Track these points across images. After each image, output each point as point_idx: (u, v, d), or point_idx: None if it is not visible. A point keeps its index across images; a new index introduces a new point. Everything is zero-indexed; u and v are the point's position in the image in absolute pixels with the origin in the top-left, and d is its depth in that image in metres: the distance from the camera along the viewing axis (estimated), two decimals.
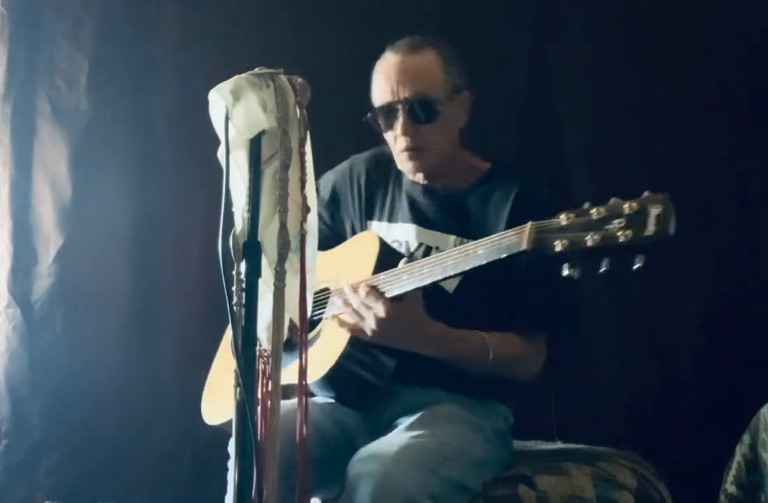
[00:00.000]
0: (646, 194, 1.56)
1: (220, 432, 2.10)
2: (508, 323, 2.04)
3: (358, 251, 2.15)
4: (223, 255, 1.47)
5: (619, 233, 1.54)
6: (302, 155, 1.53)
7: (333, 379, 1.98)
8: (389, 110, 2.09)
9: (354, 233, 2.27)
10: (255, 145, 1.51)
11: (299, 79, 1.55)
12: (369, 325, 1.90)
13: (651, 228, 1.52)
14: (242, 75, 1.51)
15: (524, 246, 1.68)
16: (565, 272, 1.61)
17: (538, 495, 1.93)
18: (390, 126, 2.10)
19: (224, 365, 2.24)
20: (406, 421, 1.97)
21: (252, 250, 1.47)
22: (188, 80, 2.88)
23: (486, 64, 2.84)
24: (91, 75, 2.94)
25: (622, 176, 2.79)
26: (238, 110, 1.50)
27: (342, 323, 1.95)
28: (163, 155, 2.96)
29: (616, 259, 1.56)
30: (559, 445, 2.28)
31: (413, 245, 2.15)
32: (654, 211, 1.53)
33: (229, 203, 1.49)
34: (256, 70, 1.52)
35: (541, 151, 2.83)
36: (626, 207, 1.55)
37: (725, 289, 2.72)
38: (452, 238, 2.12)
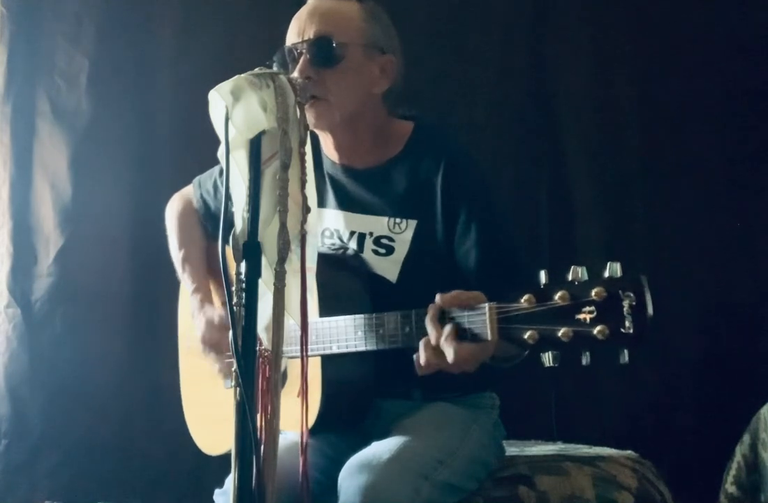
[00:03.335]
0: (609, 270, 1.43)
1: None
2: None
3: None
4: (223, 255, 1.47)
5: (594, 330, 1.40)
6: (302, 155, 1.53)
7: (325, 418, 1.85)
8: (293, 52, 1.90)
9: None
10: (255, 145, 1.51)
11: (299, 79, 1.55)
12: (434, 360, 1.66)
13: (628, 324, 1.40)
14: (242, 75, 1.51)
15: (490, 337, 1.53)
16: (546, 363, 1.48)
17: (538, 496, 1.93)
18: (293, 70, 1.89)
19: (199, 378, 2.17)
20: (399, 427, 1.91)
21: (252, 250, 1.47)
22: (188, 80, 2.88)
23: (486, 65, 2.85)
24: (91, 75, 2.94)
25: (622, 177, 2.80)
26: (238, 110, 1.49)
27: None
28: (162, 155, 2.96)
29: (598, 354, 1.45)
30: (559, 445, 2.28)
31: (345, 235, 1.99)
32: (627, 301, 1.41)
33: (229, 203, 1.48)
34: (256, 70, 1.52)
35: (541, 151, 2.83)
36: (593, 294, 1.41)
37: (725, 289, 2.72)
38: (385, 219, 1.96)
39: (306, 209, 1.53)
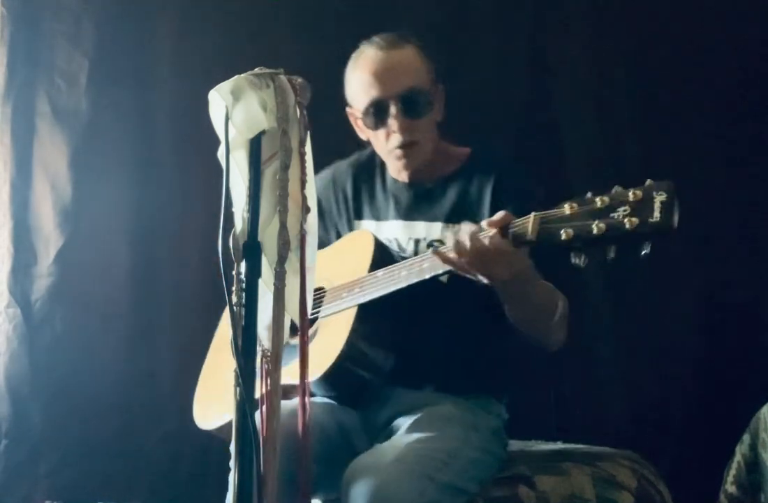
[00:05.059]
0: (649, 181, 1.58)
1: (218, 437, 2.11)
2: (503, 312, 1.98)
3: (353, 250, 2.15)
4: (223, 255, 1.47)
5: (625, 221, 1.54)
6: (302, 155, 1.53)
7: (331, 378, 1.96)
8: (380, 108, 2.06)
9: (339, 237, 2.27)
10: (255, 145, 1.51)
11: (299, 79, 1.55)
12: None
13: (656, 215, 1.53)
14: (242, 75, 1.51)
15: (530, 236, 1.66)
16: (572, 260, 1.62)
17: (538, 496, 1.93)
18: (382, 123, 2.07)
19: (217, 366, 2.25)
20: (403, 426, 1.97)
21: (252, 250, 1.47)
22: (188, 80, 2.88)
23: (486, 65, 2.85)
24: (91, 75, 2.94)
25: (622, 176, 2.78)
26: (238, 110, 1.50)
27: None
28: (163, 155, 2.96)
29: (623, 246, 1.57)
30: (559, 445, 2.28)
31: (403, 241, 2.15)
32: (659, 198, 1.54)
33: (229, 203, 1.49)
34: (256, 70, 1.52)
35: (541, 151, 2.82)
36: (631, 195, 1.56)
37: (725, 288, 2.72)
38: (439, 225, 2.11)
39: (306, 209, 1.53)
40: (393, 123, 2.05)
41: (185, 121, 2.85)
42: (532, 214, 1.68)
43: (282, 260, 1.47)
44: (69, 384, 2.89)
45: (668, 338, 2.75)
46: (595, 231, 1.56)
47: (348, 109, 2.22)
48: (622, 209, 1.56)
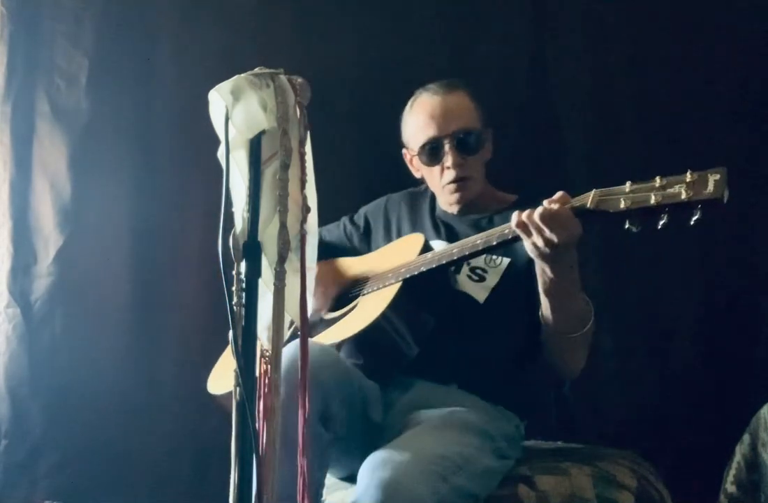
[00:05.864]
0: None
1: (221, 407, 2.12)
2: (536, 333, 2.08)
3: (402, 248, 2.28)
4: (223, 255, 1.47)
5: (682, 191, 1.69)
6: (302, 155, 1.53)
7: (361, 341, 2.05)
8: (435, 145, 2.24)
9: None
10: (255, 145, 1.51)
11: (299, 79, 1.55)
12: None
13: (710, 188, 1.67)
14: (242, 75, 1.51)
15: (590, 206, 1.81)
16: (626, 226, 1.75)
17: (538, 495, 1.93)
18: (437, 160, 2.25)
19: None
20: (422, 422, 2.01)
21: (252, 250, 1.47)
22: (188, 80, 2.88)
23: (486, 64, 2.85)
24: (91, 75, 2.94)
25: (622, 176, 2.79)
26: (238, 110, 1.50)
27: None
28: (163, 155, 2.96)
29: (675, 214, 1.71)
30: (559, 445, 2.28)
31: None
32: (712, 177, 1.69)
33: (229, 203, 1.49)
34: (256, 70, 1.52)
35: (541, 151, 2.83)
36: (688, 175, 1.71)
37: (725, 288, 2.72)
38: (483, 254, 2.19)
39: (306, 209, 1.53)
40: (447, 159, 2.23)
41: (185, 121, 2.85)
42: (593, 190, 1.84)
43: (282, 260, 1.47)
44: (69, 383, 2.88)
45: (668, 338, 2.75)
46: (652, 200, 1.71)
47: (404, 150, 2.40)
48: (679, 185, 1.71)
